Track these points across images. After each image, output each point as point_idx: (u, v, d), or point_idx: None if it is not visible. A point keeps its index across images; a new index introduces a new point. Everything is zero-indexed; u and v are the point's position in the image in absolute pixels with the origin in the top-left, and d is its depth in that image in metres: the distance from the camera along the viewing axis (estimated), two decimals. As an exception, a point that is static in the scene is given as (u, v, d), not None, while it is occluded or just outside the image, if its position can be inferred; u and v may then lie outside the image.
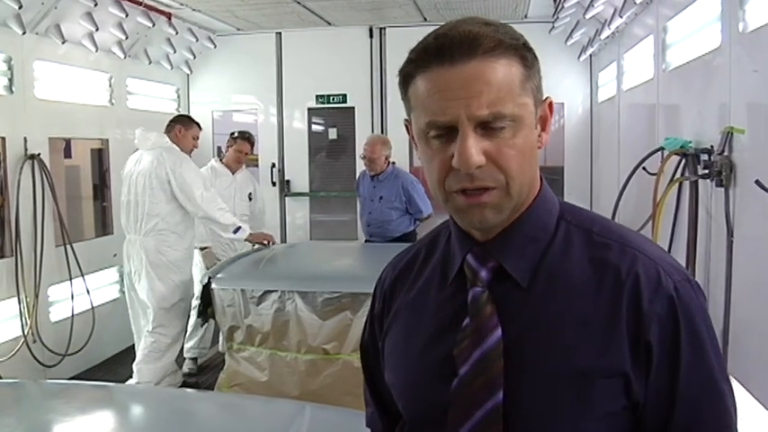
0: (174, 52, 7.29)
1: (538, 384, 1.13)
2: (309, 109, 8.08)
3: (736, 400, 1.19)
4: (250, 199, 6.38)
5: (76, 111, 6.14)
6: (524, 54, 1.14)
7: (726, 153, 3.27)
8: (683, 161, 3.77)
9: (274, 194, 8.05)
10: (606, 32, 5.89)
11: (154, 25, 6.35)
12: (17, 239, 5.27)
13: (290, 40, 7.95)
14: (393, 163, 6.36)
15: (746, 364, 3.01)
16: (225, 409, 2.80)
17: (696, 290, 1.17)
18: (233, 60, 8.01)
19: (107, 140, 6.61)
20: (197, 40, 7.47)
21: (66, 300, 5.82)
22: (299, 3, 6.55)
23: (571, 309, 1.15)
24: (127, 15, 5.85)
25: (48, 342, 5.53)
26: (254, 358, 4.62)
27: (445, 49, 1.11)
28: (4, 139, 5.24)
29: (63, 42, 5.60)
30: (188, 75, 8.08)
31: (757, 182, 2.80)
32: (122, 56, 6.48)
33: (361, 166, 6.49)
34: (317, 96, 7.97)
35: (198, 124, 5.75)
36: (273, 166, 8.11)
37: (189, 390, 5.23)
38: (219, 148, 7.56)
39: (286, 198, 8.18)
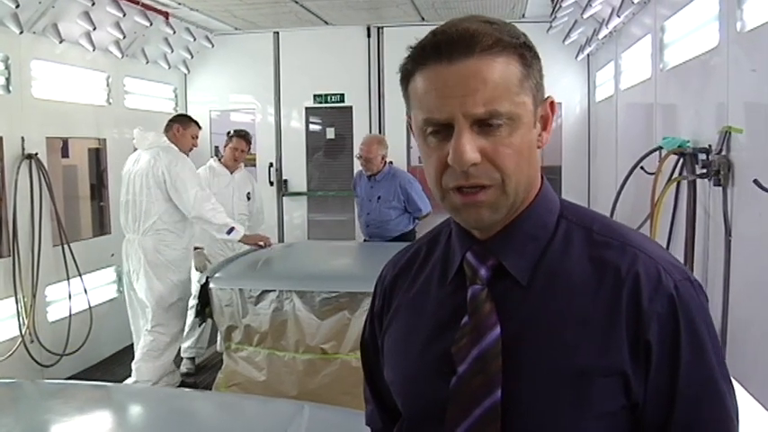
0: (172, 52, 7.28)
1: (536, 383, 1.13)
2: (307, 108, 8.07)
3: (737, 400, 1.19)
4: (248, 198, 6.37)
5: (74, 110, 6.13)
6: (523, 53, 1.14)
7: (724, 152, 3.27)
8: (681, 160, 3.77)
9: (272, 194, 8.04)
10: (604, 32, 5.89)
11: (151, 24, 6.34)
12: (14, 239, 5.26)
13: (287, 40, 7.94)
14: (390, 162, 6.36)
15: (745, 363, 3.01)
16: (223, 409, 2.80)
17: (697, 289, 1.17)
18: (230, 60, 8.01)
19: (104, 140, 6.60)
20: (194, 40, 7.46)
21: (64, 299, 5.81)
22: (296, 2, 6.55)
23: (571, 307, 1.15)
24: (124, 15, 5.84)
25: (45, 342, 5.52)
26: (252, 358, 4.62)
27: (443, 47, 1.12)
28: (1, 138, 5.23)
29: (60, 42, 5.60)
30: (185, 74, 8.07)
31: (755, 181, 2.80)
32: (120, 55, 6.47)
33: (358, 166, 6.48)
34: (314, 96, 7.97)
35: (196, 123, 5.75)
36: (271, 165, 8.10)
37: (187, 389, 5.24)
38: (217, 147, 7.56)
39: (284, 198, 8.18)
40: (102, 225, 6.79)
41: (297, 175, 8.13)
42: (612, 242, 1.18)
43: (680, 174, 3.81)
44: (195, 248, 5.92)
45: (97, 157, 6.78)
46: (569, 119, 7.53)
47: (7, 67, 5.27)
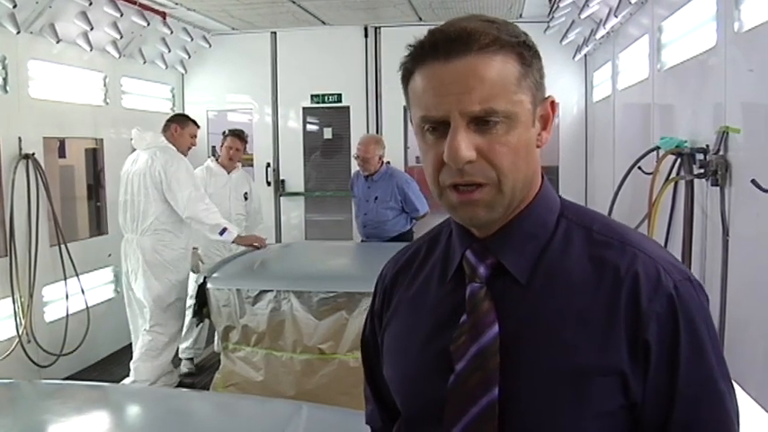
0: (169, 51, 7.28)
1: (534, 381, 1.13)
2: (304, 108, 8.07)
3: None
4: (246, 198, 6.37)
5: (71, 110, 6.13)
6: (522, 51, 1.14)
7: (721, 152, 3.28)
8: (679, 160, 3.77)
9: (269, 194, 8.03)
10: (601, 32, 5.90)
11: (148, 24, 6.34)
12: (11, 239, 5.26)
13: (284, 40, 7.94)
14: (387, 163, 6.35)
15: (742, 363, 3.02)
16: (222, 410, 2.80)
17: (697, 289, 1.16)
18: (228, 60, 8.01)
19: (101, 140, 6.60)
20: (192, 40, 7.45)
21: (61, 300, 5.80)
22: (293, 2, 6.55)
23: (570, 306, 1.15)
24: (121, 15, 5.83)
25: (42, 342, 5.52)
26: (250, 358, 4.61)
27: (440, 45, 1.12)
28: (-2, 138, 5.23)
29: (57, 42, 5.59)
30: (183, 74, 8.06)
31: (753, 181, 2.80)
32: (117, 55, 6.46)
33: (356, 166, 6.48)
34: (311, 96, 7.96)
35: (195, 122, 5.75)
36: (268, 165, 8.10)
37: (185, 390, 5.23)
38: (214, 147, 7.55)
39: (281, 198, 8.18)
40: (99, 225, 6.78)
41: (294, 175, 8.13)
42: (612, 242, 1.18)
43: (677, 174, 3.81)
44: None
45: (94, 157, 6.77)
46: (566, 119, 7.53)
47: (4, 67, 5.26)
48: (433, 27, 1.16)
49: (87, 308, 5.95)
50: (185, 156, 5.54)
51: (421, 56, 1.15)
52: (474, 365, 1.16)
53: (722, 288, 3.24)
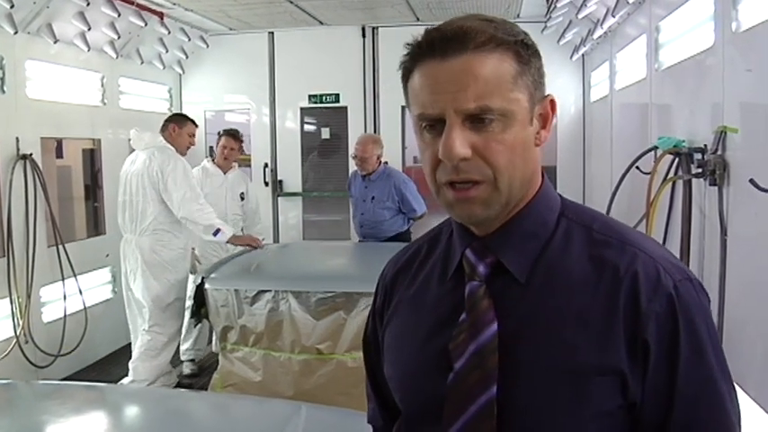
0: (167, 52, 7.27)
1: (533, 380, 1.13)
2: (302, 108, 8.07)
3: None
4: (242, 199, 6.36)
5: (68, 110, 6.12)
6: (519, 50, 1.15)
7: (719, 152, 3.28)
8: (677, 160, 3.78)
9: (267, 194, 8.03)
10: (599, 32, 5.90)
11: (146, 25, 6.33)
12: (9, 240, 5.25)
13: (282, 40, 7.94)
14: (385, 163, 6.35)
15: (740, 362, 3.02)
16: (221, 410, 2.80)
17: (698, 289, 1.16)
18: (225, 60, 8.00)
19: (99, 140, 6.59)
20: (189, 40, 7.45)
21: (59, 300, 5.80)
22: (291, 2, 6.54)
23: (569, 305, 1.15)
24: (119, 15, 5.84)
25: (40, 343, 5.51)
26: (248, 358, 4.61)
27: (437, 43, 1.13)
28: (-5, 139, 5.22)
29: (55, 42, 5.57)
30: (180, 74, 8.05)
31: (751, 181, 2.80)
32: (114, 55, 6.45)
33: (353, 166, 6.47)
34: (309, 96, 7.96)
35: (193, 121, 5.75)
36: (266, 165, 8.10)
37: (183, 390, 5.23)
38: (212, 147, 7.54)
39: (279, 198, 8.17)
40: (96, 225, 6.77)
41: (292, 175, 8.12)
42: (612, 241, 1.18)
43: (675, 173, 3.81)
44: None
45: (92, 157, 6.76)
46: (564, 119, 7.53)
47: (2, 68, 5.24)
48: (430, 27, 1.17)
49: (85, 308, 5.94)
50: (184, 155, 5.53)
51: (419, 55, 1.16)
52: (472, 363, 1.16)
53: (720, 288, 3.24)
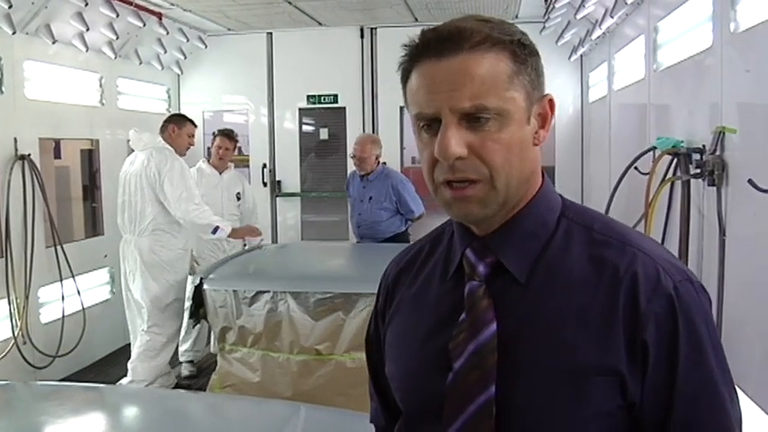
0: (165, 52, 7.26)
1: (533, 380, 1.13)
2: (300, 109, 8.07)
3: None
4: (238, 199, 6.35)
5: (67, 111, 6.12)
6: (515, 49, 1.15)
7: (718, 152, 3.28)
8: (675, 161, 3.77)
9: (265, 195, 8.03)
10: (597, 32, 5.90)
11: (144, 25, 6.32)
12: (7, 240, 5.24)
13: (280, 41, 7.94)
14: (384, 163, 6.34)
15: (739, 362, 3.02)
16: (219, 411, 2.80)
17: (698, 290, 1.16)
18: (224, 60, 8.00)
19: (97, 141, 6.58)
20: (188, 41, 7.45)
21: (57, 301, 5.79)
22: (290, 3, 6.54)
23: (568, 305, 1.15)
24: (117, 15, 5.82)
25: (38, 343, 5.50)
26: (247, 359, 4.61)
27: (432, 44, 1.14)
28: (-7, 139, 5.22)
29: (53, 42, 5.57)
30: (179, 75, 8.05)
31: (750, 181, 2.80)
32: (113, 56, 6.45)
33: (352, 167, 6.47)
34: (307, 96, 7.96)
35: (192, 122, 5.75)
36: (264, 166, 8.09)
37: (182, 391, 5.22)
38: (210, 148, 7.53)
39: (277, 198, 8.17)
40: (94, 226, 6.77)
41: (290, 176, 8.12)
42: (612, 241, 1.18)
43: (674, 174, 3.81)
44: None
45: (90, 158, 6.76)
46: (562, 119, 7.53)
47: (0, 68, 5.24)
48: (427, 27, 1.18)
49: (83, 309, 5.93)
50: (183, 156, 5.54)
51: (416, 55, 1.17)
52: (472, 363, 1.16)
53: (719, 288, 3.24)
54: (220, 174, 6.24)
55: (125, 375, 5.44)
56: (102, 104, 6.58)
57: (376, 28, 7.77)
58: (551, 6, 6.09)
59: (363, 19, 7.49)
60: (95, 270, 6.44)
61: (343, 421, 2.39)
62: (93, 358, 6.31)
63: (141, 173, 5.32)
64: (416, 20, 7.32)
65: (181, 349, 6.04)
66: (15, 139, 5.36)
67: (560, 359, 1.12)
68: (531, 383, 1.13)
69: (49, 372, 5.57)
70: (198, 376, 6.03)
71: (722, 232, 3.24)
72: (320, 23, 7.56)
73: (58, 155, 6.87)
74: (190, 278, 5.52)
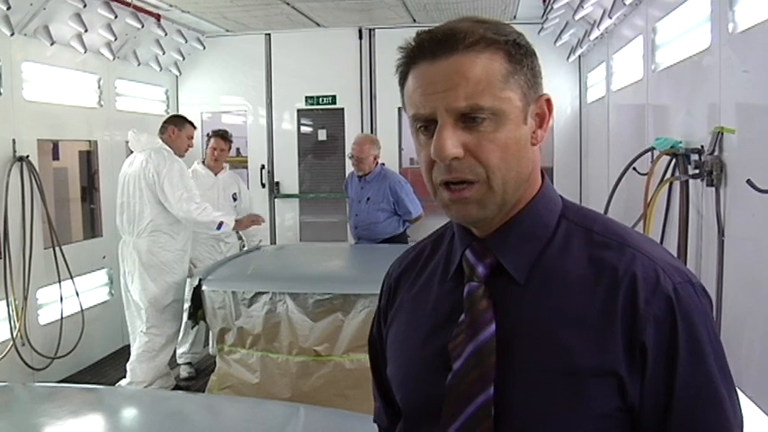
0: (163, 53, 7.26)
1: (530, 381, 1.13)
2: (299, 110, 8.07)
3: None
4: (235, 199, 6.34)
5: (65, 112, 6.11)
6: (510, 50, 1.15)
7: (716, 153, 3.28)
8: (674, 161, 3.77)
9: (264, 196, 8.03)
10: (595, 33, 5.90)
11: (143, 26, 6.32)
12: (5, 242, 5.24)
13: (279, 42, 7.94)
14: (382, 164, 6.34)
15: (738, 362, 3.02)
16: (219, 412, 2.79)
17: (699, 292, 1.15)
18: (222, 62, 8.01)
19: (96, 142, 6.58)
20: (186, 42, 7.45)
21: (55, 302, 5.79)
22: (288, 4, 6.54)
23: (567, 306, 1.15)
24: (116, 17, 5.81)
25: (36, 345, 5.50)
26: (246, 360, 4.61)
27: (427, 45, 1.15)
28: (-8, 140, 5.21)
29: (51, 44, 5.56)
30: (177, 76, 8.05)
31: (749, 181, 2.80)
32: (111, 57, 6.45)
33: (350, 167, 6.47)
34: (306, 97, 7.96)
35: (191, 123, 5.76)
36: (263, 167, 8.09)
37: (180, 392, 5.23)
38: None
39: (275, 199, 8.17)
40: (93, 227, 6.77)
41: (289, 177, 8.12)
42: (612, 243, 1.18)
43: (672, 174, 3.81)
44: None
45: (88, 159, 6.75)
46: (560, 120, 7.52)
47: (-2, 69, 5.24)
48: (426, 28, 1.18)
49: (82, 310, 5.93)
50: (182, 157, 5.54)
51: (412, 57, 1.18)
52: (471, 364, 1.16)
53: (718, 288, 3.24)
54: (215, 175, 6.22)
55: (124, 377, 5.44)
56: (101, 106, 6.57)
57: (374, 29, 7.77)
58: (549, 7, 6.09)
59: (361, 20, 7.49)
60: (94, 271, 6.44)
61: (343, 422, 2.39)
62: (92, 360, 6.31)
63: (140, 174, 5.33)
64: (414, 21, 7.32)
65: (179, 351, 6.03)
66: (14, 140, 5.36)
67: (558, 360, 1.12)
68: (529, 384, 1.13)
69: (47, 373, 5.56)
70: (197, 377, 6.02)
71: (721, 233, 3.24)
72: (318, 24, 7.56)
73: (56, 156, 6.87)
74: (188, 279, 5.51)
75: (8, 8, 4.90)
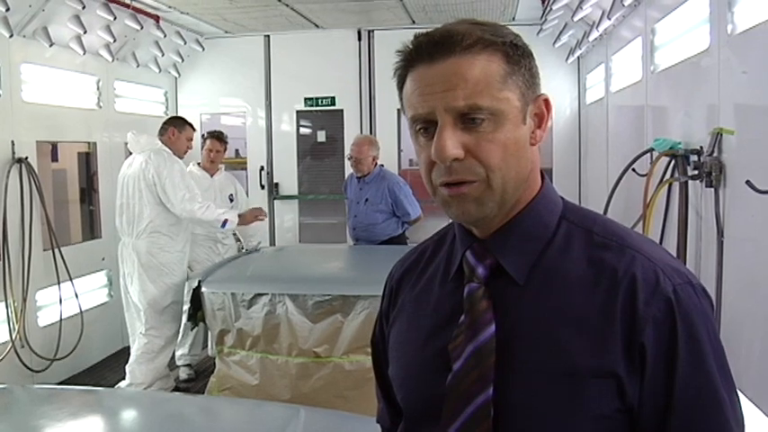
0: (163, 55, 7.26)
1: (530, 382, 1.13)
2: (298, 111, 8.07)
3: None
4: (231, 200, 6.34)
5: (64, 114, 6.11)
6: (507, 51, 1.16)
7: (715, 154, 3.28)
8: (673, 162, 3.78)
9: (263, 197, 8.02)
10: (594, 34, 5.90)
11: (142, 28, 6.32)
12: (5, 244, 5.24)
13: (278, 43, 7.94)
14: (381, 165, 6.33)
15: (738, 363, 3.01)
16: (218, 414, 2.80)
17: (699, 294, 1.15)
18: (221, 63, 8.01)
19: (95, 144, 6.58)
20: (185, 43, 7.45)
21: (55, 304, 5.78)
22: (287, 5, 6.54)
23: (566, 307, 1.15)
24: (115, 18, 5.82)
25: (36, 347, 5.49)
26: (245, 362, 4.61)
27: (424, 47, 1.16)
28: (-9, 142, 5.21)
29: (50, 45, 5.56)
30: (176, 78, 8.04)
31: (748, 182, 2.81)
32: (110, 59, 6.44)
33: (349, 169, 6.47)
34: (305, 99, 7.96)
35: (191, 125, 5.76)
36: (262, 168, 8.09)
37: (180, 394, 5.22)
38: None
39: (275, 201, 8.17)
40: (92, 229, 6.76)
41: (288, 178, 8.12)
42: (612, 244, 1.18)
43: (672, 175, 3.81)
44: None
45: (87, 161, 6.76)
46: (560, 121, 7.53)
47: (-3, 71, 5.24)
48: (424, 30, 1.19)
49: (81, 312, 5.92)
50: (182, 159, 5.54)
51: (410, 60, 1.18)
52: (470, 364, 1.16)
53: (717, 289, 3.24)
54: (211, 176, 6.21)
55: (123, 378, 5.43)
56: (100, 107, 6.57)
57: (373, 30, 7.77)
58: (548, 8, 6.10)
59: (360, 21, 7.49)
60: (93, 273, 6.43)
61: (343, 423, 2.39)
62: (91, 361, 6.31)
63: (139, 175, 5.32)
64: (414, 22, 7.32)
65: (178, 353, 6.02)
66: (12, 142, 5.36)
67: (558, 361, 1.12)
68: (528, 385, 1.13)
69: (46, 375, 5.55)
70: (196, 379, 6.02)
71: (720, 233, 3.24)
72: (317, 26, 7.56)
73: (55, 158, 6.87)
74: (187, 281, 5.51)
75: (7, 9, 4.89)
